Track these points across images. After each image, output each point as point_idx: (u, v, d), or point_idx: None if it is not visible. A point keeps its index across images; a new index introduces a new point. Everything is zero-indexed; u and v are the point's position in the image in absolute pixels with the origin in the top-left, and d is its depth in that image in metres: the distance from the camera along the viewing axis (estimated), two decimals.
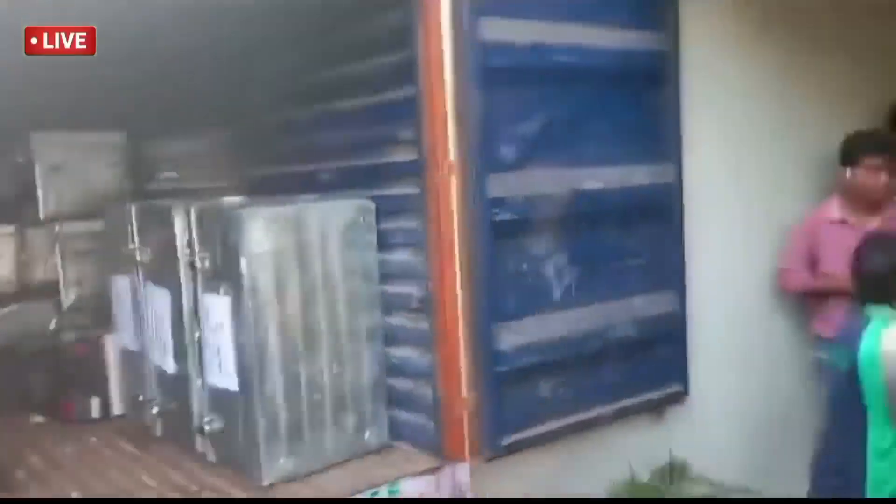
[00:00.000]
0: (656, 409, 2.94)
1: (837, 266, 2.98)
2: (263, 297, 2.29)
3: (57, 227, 3.14)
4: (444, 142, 2.35)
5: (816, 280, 3.09)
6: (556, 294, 2.62)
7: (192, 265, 2.43)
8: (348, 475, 2.41)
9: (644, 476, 2.84)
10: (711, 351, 3.06)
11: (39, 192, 3.11)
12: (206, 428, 2.43)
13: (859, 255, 2.40)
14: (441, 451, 2.43)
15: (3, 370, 2.97)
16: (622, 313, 2.78)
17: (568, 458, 2.71)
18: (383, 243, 2.55)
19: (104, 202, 3.07)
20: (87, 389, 3.02)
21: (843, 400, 2.40)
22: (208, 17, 2.40)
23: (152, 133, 3.37)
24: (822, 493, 2.42)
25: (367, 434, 2.51)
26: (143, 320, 2.75)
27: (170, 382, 2.63)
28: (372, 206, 2.53)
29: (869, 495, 2.30)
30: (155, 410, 2.70)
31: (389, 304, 2.56)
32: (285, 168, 3.08)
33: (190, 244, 2.44)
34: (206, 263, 2.37)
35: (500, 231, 2.47)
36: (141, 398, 2.78)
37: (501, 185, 2.47)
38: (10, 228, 3.15)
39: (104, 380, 3.01)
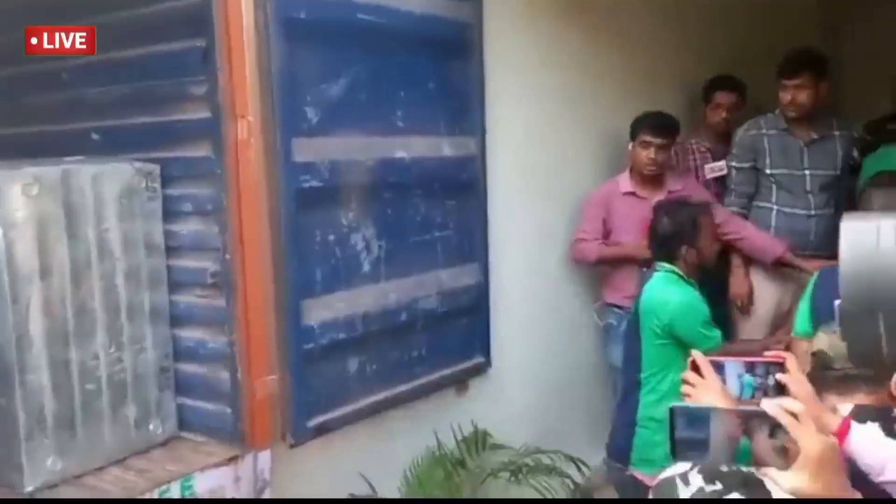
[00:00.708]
0: (461, 380, 2.95)
1: (627, 236, 3.21)
2: (23, 271, 1.94)
3: None
4: (244, 100, 2.13)
5: (607, 248, 3.27)
6: (365, 267, 2.51)
7: None
8: (131, 473, 2.13)
9: (450, 447, 2.83)
10: (512, 321, 3.14)
11: None
12: None
13: (652, 220, 2.67)
14: (240, 440, 2.22)
15: None
16: (429, 286, 2.73)
17: (374, 434, 2.63)
18: (170, 212, 2.27)
19: None
20: None
21: (628, 346, 2.68)
22: None
23: None
24: (620, 437, 2.70)
25: (151, 426, 2.24)
26: None
27: None
28: (155, 169, 2.24)
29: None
30: None
31: (178, 281, 2.29)
32: (45, 126, 2.64)
33: None
34: None
35: (306, 199, 2.30)
36: None
37: (307, 150, 2.30)
38: None
39: None
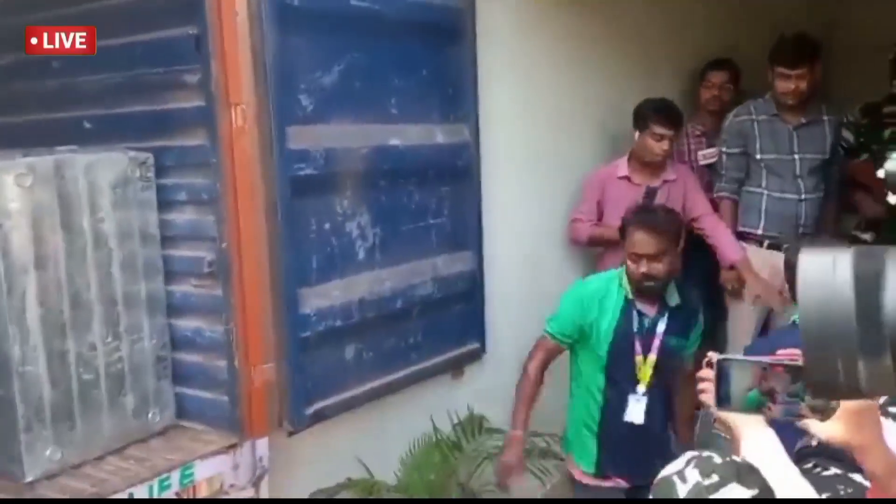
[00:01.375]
0: (456, 366, 2.96)
1: (617, 220, 3.23)
2: (18, 261, 1.93)
3: None
4: (238, 87, 2.12)
5: (598, 229, 3.29)
6: (360, 254, 2.51)
7: None
8: (129, 462, 2.14)
9: (446, 432, 2.86)
10: (507, 307, 3.15)
11: None
12: None
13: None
14: (238, 428, 2.24)
15: None
16: (424, 273, 2.74)
17: (371, 420, 2.65)
18: (165, 201, 2.26)
19: None
20: None
21: None
22: None
23: None
24: None
25: (150, 414, 2.25)
26: None
27: None
28: (149, 158, 2.23)
29: None
30: None
31: (174, 270, 2.29)
32: (36, 115, 2.62)
33: None
34: None
35: (302, 187, 2.30)
36: None
37: (302, 138, 2.29)
38: None
39: None
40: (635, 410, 2.54)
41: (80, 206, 2.07)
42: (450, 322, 2.89)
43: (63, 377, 2.04)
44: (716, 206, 3.45)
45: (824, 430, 1.13)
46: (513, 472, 2.58)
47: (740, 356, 1.32)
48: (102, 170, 2.12)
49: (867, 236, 3.54)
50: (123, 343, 2.18)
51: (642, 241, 2.43)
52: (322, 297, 2.39)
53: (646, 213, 2.61)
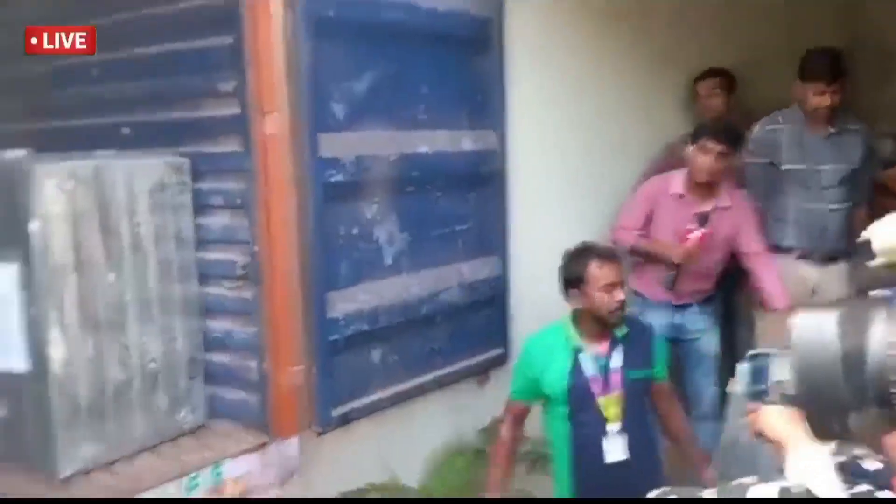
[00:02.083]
0: (481, 372, 2.99)
1: (663, 236, 3.20)
2: (59, 264, 2.00)
3: None
4: (272, 96, 2.17)
5: (643, 241, 3.26)
6: (388, 259, 2.55)
7: None
8: (161, 460, 2.20)
9: (470, 437, 2.88)
10: (531, 313, 3.15)
11: None
12: None
13: None
14: (267, 428, 2.29)
15: None
16: (450, 279, 2.78)
17: (397, 423, 2.68)
18: (200, 206, 2.32)
19: None
20: None
21: None
22: None
23: None
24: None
25: (181, 413, 2.31)
26: None
27: None
28: (185, 164, 2.29)
29: None
30: None
31: (208, 273, 2.35)
32: (76, 121, 2.69)
33: None
34: None
35: (332, 193, 2.34)
36: None
37: (333, 145, 2.34)
38: None
39: None
40: (613, 449, 2.42)
41: (119, 209, 2.13)
42: (475, 328, 2.92)
43: (99, 376, 2.10)
44: None
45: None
46: None
47: (773, 349, 1.33)
48: (140, 175, 2.19)
49: None
50: (158, 344, 2.23)
51: (611, 271, 2.45)
52: (350, 302, 2.44)
53: (596, 248, 2.55)
